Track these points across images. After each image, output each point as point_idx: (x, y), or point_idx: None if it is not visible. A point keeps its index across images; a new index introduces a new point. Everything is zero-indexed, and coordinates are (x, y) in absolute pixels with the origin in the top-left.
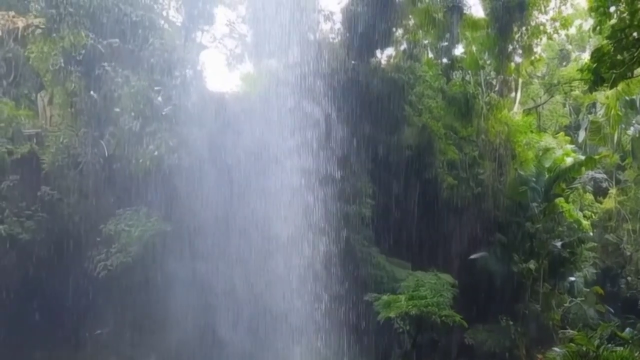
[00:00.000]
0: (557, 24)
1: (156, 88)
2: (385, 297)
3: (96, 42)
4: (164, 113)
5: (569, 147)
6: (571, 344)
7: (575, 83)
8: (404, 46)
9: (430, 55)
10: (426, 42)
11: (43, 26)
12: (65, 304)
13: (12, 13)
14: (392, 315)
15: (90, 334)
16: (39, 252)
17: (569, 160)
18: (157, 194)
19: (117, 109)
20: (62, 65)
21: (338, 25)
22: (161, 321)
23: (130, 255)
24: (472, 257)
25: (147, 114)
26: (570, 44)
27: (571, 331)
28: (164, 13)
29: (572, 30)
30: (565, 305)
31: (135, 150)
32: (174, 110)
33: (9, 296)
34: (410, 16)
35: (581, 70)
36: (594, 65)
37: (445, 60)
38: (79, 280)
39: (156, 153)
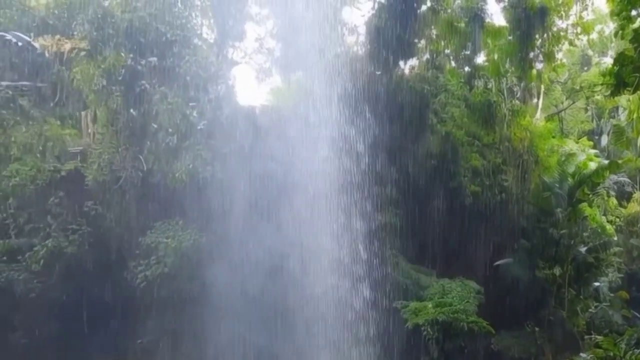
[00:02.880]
0: (578, 29)
1: (191, 104)
2: (413, 304)
3: (135, 62)
4: (199, 128)
5: (592, 152)
6: (598, 349)
7: (597, 88)
8: (426, 56)
9: (453, 64)
10: (448, 51)
11: (87, 48)
12: (108, 314)
13: (58, 37)
14: (420, 322)
15: (131, 343)
16: (84, 264)
17: (592, 165)
18: (192, 206)
19: (155, 125)
20: (104, 85)
21: (362, 38)
22: (198, 329)
23: (168, 265)
24: (497, 263)
25: (182, 129)
26: (592, 49)
27: (597, 337)
28: (198, 31)
29: (593, 36)
30: (591, 310)
31: (171, 164)
32: (208, 125)
33: (55, 306)
34: (432, 27)
35: (603, 74)
36: (617, 69)
37: (467, 68)
38: (120, 291)
39: (191, 166)
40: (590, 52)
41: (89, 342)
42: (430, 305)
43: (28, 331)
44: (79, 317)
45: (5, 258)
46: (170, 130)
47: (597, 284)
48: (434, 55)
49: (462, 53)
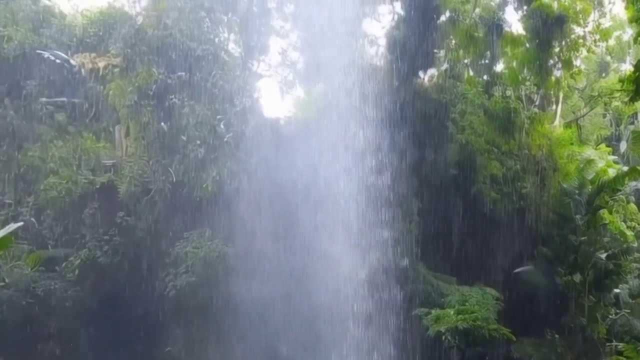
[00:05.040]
0: (597, 36)
1: (218, 116)
2: (435, 312)
3: (166, 77)
4: (225, 140)
5: (611, 158)
6: (619, 357)
7: (616, 94)
8: (445, 66)
9: (471, 73)
10: (467, 60)
11: (121, 65)
12: (139, 322)
13: (93, 54)
14: (442, 329)
15: (161, 351)
16: (116, 274)
17: (611, 172)
18: (219, 217)
19: (184, 138)
20: (136, 99)
21: (382, 49)
22: (224, 338)
23: (196, 275)
24: (517, 271)
25: (210, 141)
26: (610, 55)
27: (618, 344)
28: (225, 46)
29: (611, 42)
30: (611, 317)
31: (199, 176)
32: (234, 137)
33: (88, 314)
34: (451, 37)
35: (622, 80)
36: (636, 75)
37: (486, 77)
38: (150, 300)
39: (218, 178)
40: (608, 59)
41: (119, 350)
42: (452, 313)
43: (62, 339)
44: (111, 325)
45: (43, 268)
46: (198, 142)
47: (617, 290)
48: (453, 65)
49: (481, 62)
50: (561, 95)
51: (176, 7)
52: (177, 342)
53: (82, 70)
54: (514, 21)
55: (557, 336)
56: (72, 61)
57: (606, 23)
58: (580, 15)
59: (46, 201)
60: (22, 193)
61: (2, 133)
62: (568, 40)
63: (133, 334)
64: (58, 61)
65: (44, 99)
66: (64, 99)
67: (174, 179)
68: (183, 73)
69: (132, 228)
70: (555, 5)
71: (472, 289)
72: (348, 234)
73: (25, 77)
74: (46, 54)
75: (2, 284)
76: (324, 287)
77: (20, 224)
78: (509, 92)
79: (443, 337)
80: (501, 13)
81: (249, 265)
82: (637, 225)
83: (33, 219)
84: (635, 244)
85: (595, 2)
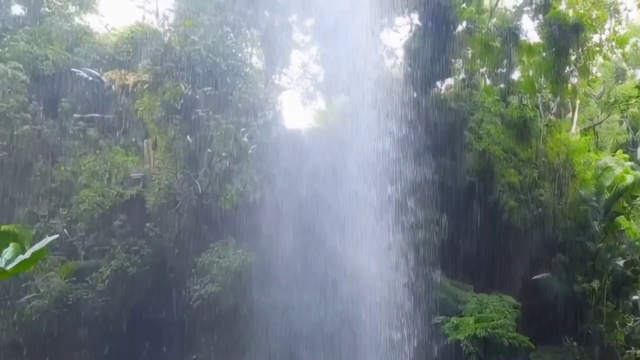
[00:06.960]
0: (613, 43)
1: (242, 129)
2: (453, 320)
3: (192, 91)
4: (249, 152)
5: (628, 164)
6: None
7: (632, 100)
8: (462, 75)
9: (488, 81)
10: (483, 69)
11: (149, 81)
12: (166, 330)
13: (124, 71)
14: (460, 337)
15: (187, 358)
16: (144, 284)
17: (629, 178)
18: (243, 227)
19: (209, 150)
20: (164, 114)
21: (400, 60)
22: (248, 347)
23: (220, 284)
24: (535, 278)
25: (234, 153)
26: (626, 61)
27: (637, 351)
28: (248, 60)
29: (627, 48)
30: (630, 324)
31: (224, 187)
32: (258, 149)
33: (117, 324)
34: (468, 46)
35: (638, 87)
36: None
37: (502, 85)
38: (177, 308)
39: (242, 189)
40: (624, 65)
41: (147, 357)
42: (471, 321)
43: (93, 348)
44: (139, 334)
45: (74, 278)
46: (223, 154)
47: (635, 297)
48: (470, 74)
49: (497, 71)
50: (578, 102)
51: (202, 23)
52: (202, 350)
53: (113, 87)
54: (530, 30)
55: (575, 343)
56: (103, 78)
57: (622, 30)
58: (596, 23)
59: (78, 213)
60: (56, 206)
61: (38, 149)
62: (584, 47)
63: (160, 342)
64: (90, 78)
65: (77, 115)
66: (96, 114)
67: (200, 191)
68: (209, 87)
69: (160, 239)
70: (570, 13)
71: (490, 297)
72: (368, 242)
73: (60, 94)
74: (79, 72)
75: (36, 294)
76: (345, 295)
77: (56, 236)
78: (525, 101)
79: (462, 345)
80: (517, 22)
81: (271, 274)
82: None
83: (65, 231)
84: None
85: (611, 9)
